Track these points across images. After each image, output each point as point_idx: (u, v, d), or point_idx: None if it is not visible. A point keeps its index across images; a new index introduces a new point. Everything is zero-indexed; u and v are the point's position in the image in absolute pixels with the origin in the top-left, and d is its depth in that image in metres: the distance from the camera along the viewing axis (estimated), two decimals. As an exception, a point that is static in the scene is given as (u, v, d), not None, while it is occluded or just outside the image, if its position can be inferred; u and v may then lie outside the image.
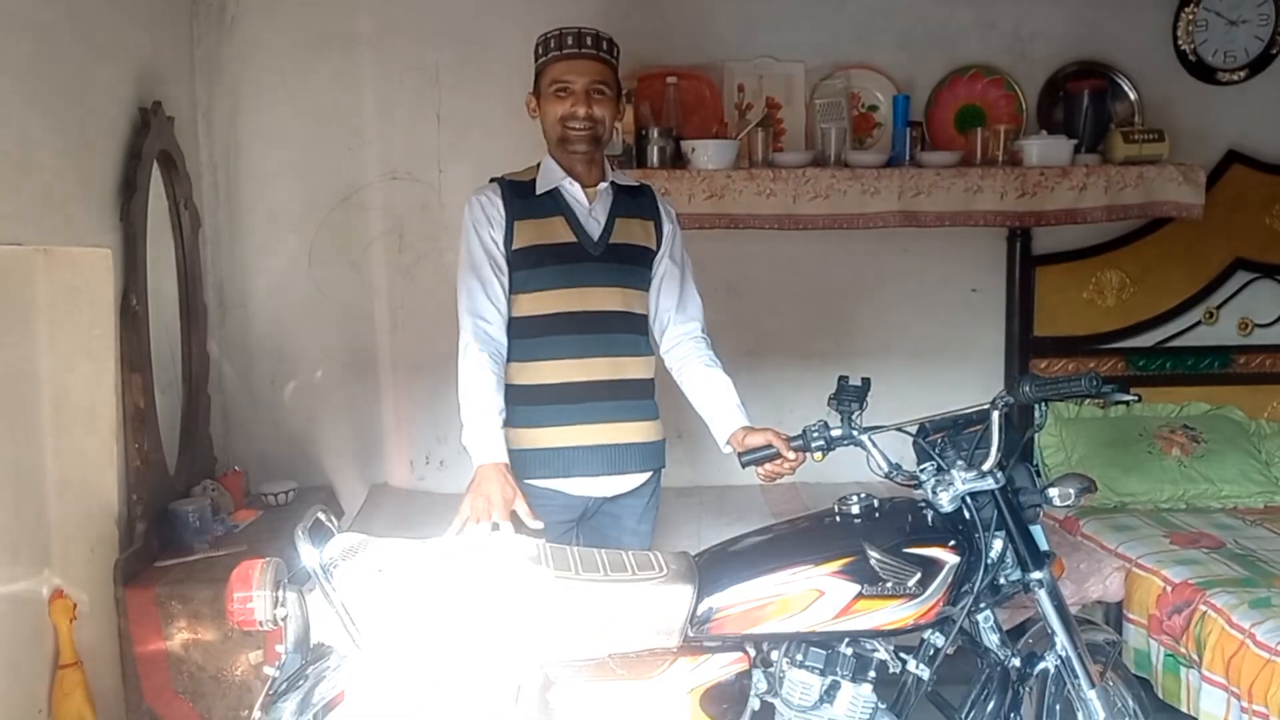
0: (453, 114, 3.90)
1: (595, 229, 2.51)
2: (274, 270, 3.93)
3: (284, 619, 1.82)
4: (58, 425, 2.80)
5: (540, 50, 2.49)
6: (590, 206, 2.52)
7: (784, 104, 3.95)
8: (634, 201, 2.59)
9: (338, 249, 3.94)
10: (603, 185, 2.54)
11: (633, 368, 2.55)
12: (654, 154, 3.64)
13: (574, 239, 2.49)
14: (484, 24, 3.87)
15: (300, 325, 3.96)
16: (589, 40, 2.45)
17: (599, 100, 2.46)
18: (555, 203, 2.50)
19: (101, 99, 2.99)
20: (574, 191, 2.51)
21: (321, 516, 1.97)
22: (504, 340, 2.46)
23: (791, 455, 2.32)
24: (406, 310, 3.98)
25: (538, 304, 2.48)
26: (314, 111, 3.86)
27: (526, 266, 2.47)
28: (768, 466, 2.36)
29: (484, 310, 2.44)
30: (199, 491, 3.32)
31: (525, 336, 2.50)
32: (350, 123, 3.89)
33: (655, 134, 3.64)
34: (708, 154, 3.60)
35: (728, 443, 2.47)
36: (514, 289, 2.48)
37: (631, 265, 2.56)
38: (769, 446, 2.32)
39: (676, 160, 3.66)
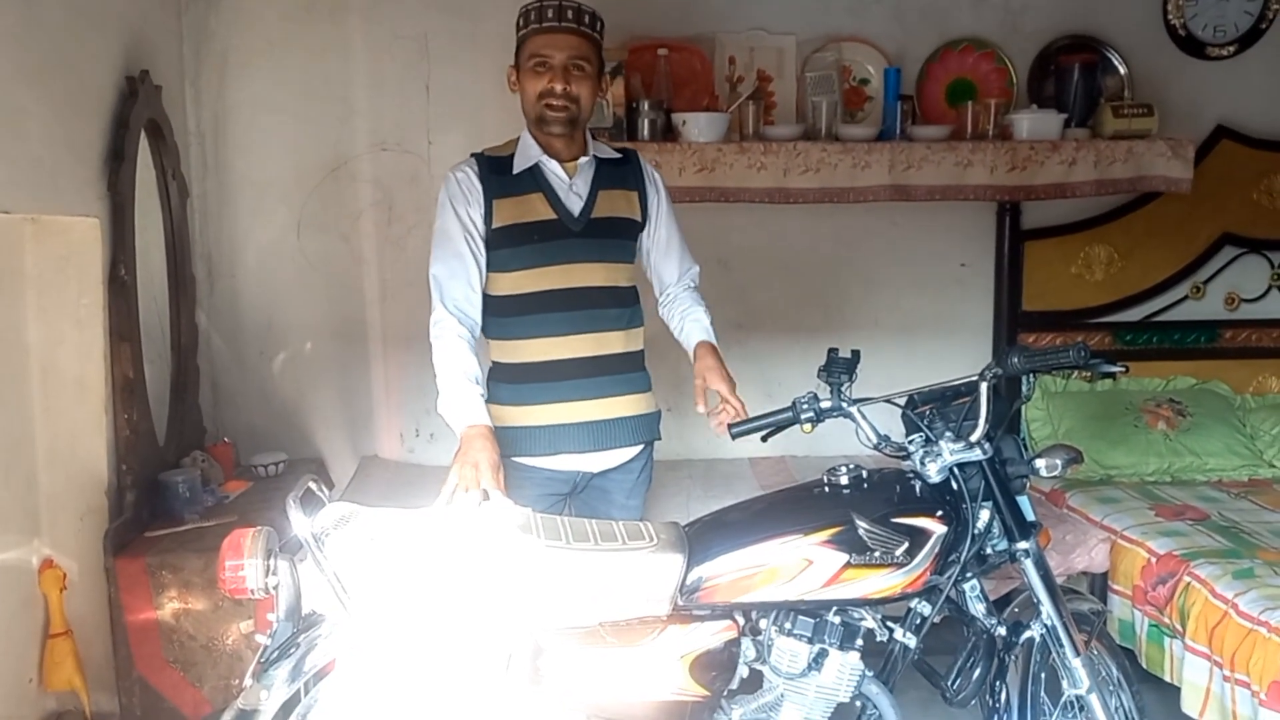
0: (442, 85, 3.88)
1: (576, 204, 2.48)
2: (263, 241, 3.92)
3: (275, 587, 1.84)
4: (46, 395, 2.80)
5: (521, 22, 2.44)
6: (571, 181, 2.48)
7: (775, 77, 3.94)
8: (617, 172, 2.56)
9: (327, 220, 3.92)
10: (583, 159, 2.50)
11: (618, 341, 2.53)
12: (644, 127, 3.63)
13: (554, 215, 2.46)
14: (473, -7, 3.85)
15: (289, 296, 3.96)
16: (570, 13, 2.39)
17: (578, 77, 2.41)
18: (534, 179, 2.46)
19: (89, 67, 2.97)
20: (553, 167, 2.47)
21: (313, 486, 1.99)
22: (477, 317, 2.44)
23: (736, 402, 2.41)
24: (396, 282, 3.98)
25: (519, 282, 2.46)
26: (303, 81, 3.84)
27: (507, 245, 2.45)
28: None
29: (456, 288, 2.41)
30: (189, 462, 3.32)
31: (508, 315, 2.49)
32: (339, 93, 3.86)
33: (646, 106, 3.63)
34: (698, 127, 3.59)
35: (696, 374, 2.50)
36: (495, 267, 2.46)
37: (615, 239, 2.54)
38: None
39: (667, 133, 3.66)
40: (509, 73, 2.50)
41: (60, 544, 2.79)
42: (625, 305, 2.56)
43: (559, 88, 2.38)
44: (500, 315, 2.49)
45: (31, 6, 2.64)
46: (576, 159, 2.49)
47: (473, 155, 2.53)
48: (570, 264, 2.46)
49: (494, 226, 2.44)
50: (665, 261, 2.64)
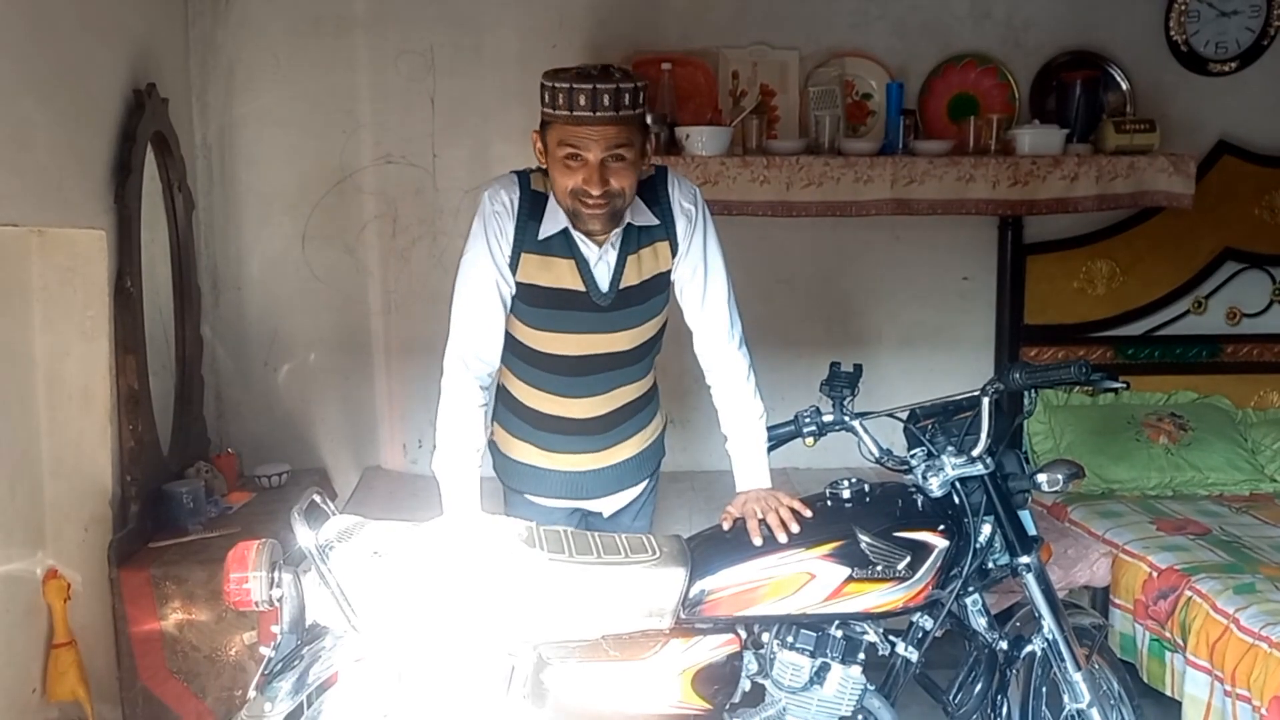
0: (447, 98, 3.90)
1: (605, 274, 2.22)
2: (268, 253, 3.93)
3: (279, 600, 1.84)
4: (52, 406, 2.81)
5: (547, 98, 2.07)
6: (601, 251, 2.21)
7: (778, 91, 3.95)
8: (647, 230, 2.25)
9: (332, 232, 3.94)
10: (615, 230, 2.19)
11: (633, 391, 2.39)
12: (652, 151, 3.63)
13: (582, 288, 2.21)
14: (478, 8, 3.86)
15: (294, 308, 3.97)
16: (606, 99, 2.01)
17: (618, 169, 2.08)
18: (566, 243, 2.19)
19: (96, 80, 2.99)
20: (580, 236, 2.19)
21: (317, 499, 1.99)
22: (495, 361, 2.25)
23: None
24: (400, 294, 3.99)
25: (536, 339, 2.29)
26: (308, 94, 3.86)
27: (526, 302, 2.23)
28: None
29: (475, 332, 2.20)
30: (193, 473, 3.33)
31: (520, 358, 2.34)
32: (345, 106, 3.88)
33: (649, 121, 3.63)
34: (702, 141, 3.61)
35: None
36: (513, 311, 2.25)
37: (645, 302, 2.28)
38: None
39: (671, 147, 3.67)
40: (533, 139, 2.18)
41: (64, 554, 2.80)
42: (647, 354, 2.38)
43: (595, 191, 2.07)
44: (513, 353, 2.32)
45: (38, 18, 2.66)
46: (609, 233, 2.20)
47: (515, 176, 2.25)
48: (595, 334, 2.27)
49: (516, 278, 2.21)
50: (700, 308, 2.31)
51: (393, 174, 3.93)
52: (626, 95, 2.04)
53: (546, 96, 2.07)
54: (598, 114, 2.02)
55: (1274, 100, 4.10)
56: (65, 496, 2.83)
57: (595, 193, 2.06)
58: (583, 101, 2.01)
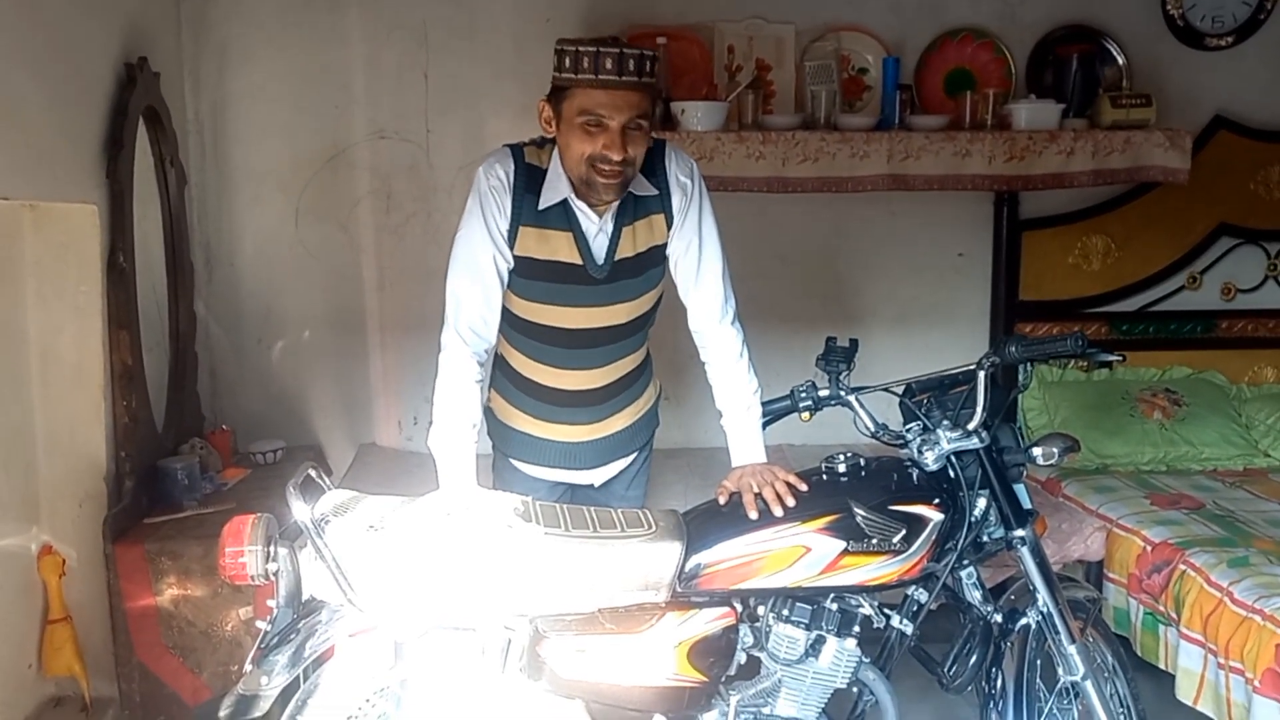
0: (440, 74, 3.87)
1: (602, 246, 2.22)
2: (261, 229, 3.92)
3: (275, 574, 1.84)
4: (45, 382, 2.80)
5: (567, 63, 2.06)
6: (599, 222, 2.22)
7: (774, 66, 3.93)
8: (643, 202, 2.25)
9: (325, 208, 3.92)
10: (615, 203, 2.21)
11: (628, 364, 2.40)
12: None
13: (578, 260, 2.21)
14: (471, -18, 3.84)
15: (287, 285, 3.96)
16: (632, 63, 2.02)
17: (635, 138, 2.08)
18: (565, 215, 2.19)
19: (87, 53, 2.96)
20: (581, 207, 2.19)
21: (313, 473, 1.99)
22: (492, 338, 2.24)
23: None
24: (394, 271, 3.97)
25: (532, 311, 2.29)
26: (301, 69, 3.83)
27: (522, 276, 2.23)
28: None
29: (473, 308, 2.18)
30: (187, 449, 3.33)
31: (518, 330, 2.35)
32: (338, 81, 3.85)
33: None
34: (697, 116, 3.59)
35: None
36: (509, 286, 2.25)
37: (641, 275, 2.29)
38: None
39: (666, 122, 3.65)
40: (541, 107, 2.16)
41: (59, 530, 2.80)
42: (642, 327, 2.39)
43: (616, 156, 2.06)
44: (510, 326, 2.33)
45: (29, -8, 2.64)
46: (609, 204, 2.21)
47: (509, 150, 2.23)
48: (591, 307, 2.27)
49: (514, 252, 2.21)
50: (694, 284, 2.31)
51: (386, 150, 3.91)
52: (647, 63, 2.06)
53: (567, 61, 2.06)
54: (623, 78, 2.03)
55: (1270, 75, 4.09)
56: (59, 472, 2.83)
57: (616, 158, 2.06)
58: (609, 65, 2.02)
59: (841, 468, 2.17)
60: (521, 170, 2.20)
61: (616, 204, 2.21)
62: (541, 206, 2.18)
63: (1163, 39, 4.04)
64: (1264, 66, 4.09)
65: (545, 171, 2.19)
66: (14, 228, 2.73)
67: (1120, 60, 4.00)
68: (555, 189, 2.18)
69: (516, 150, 2.23)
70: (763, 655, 2.13)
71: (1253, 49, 4.07)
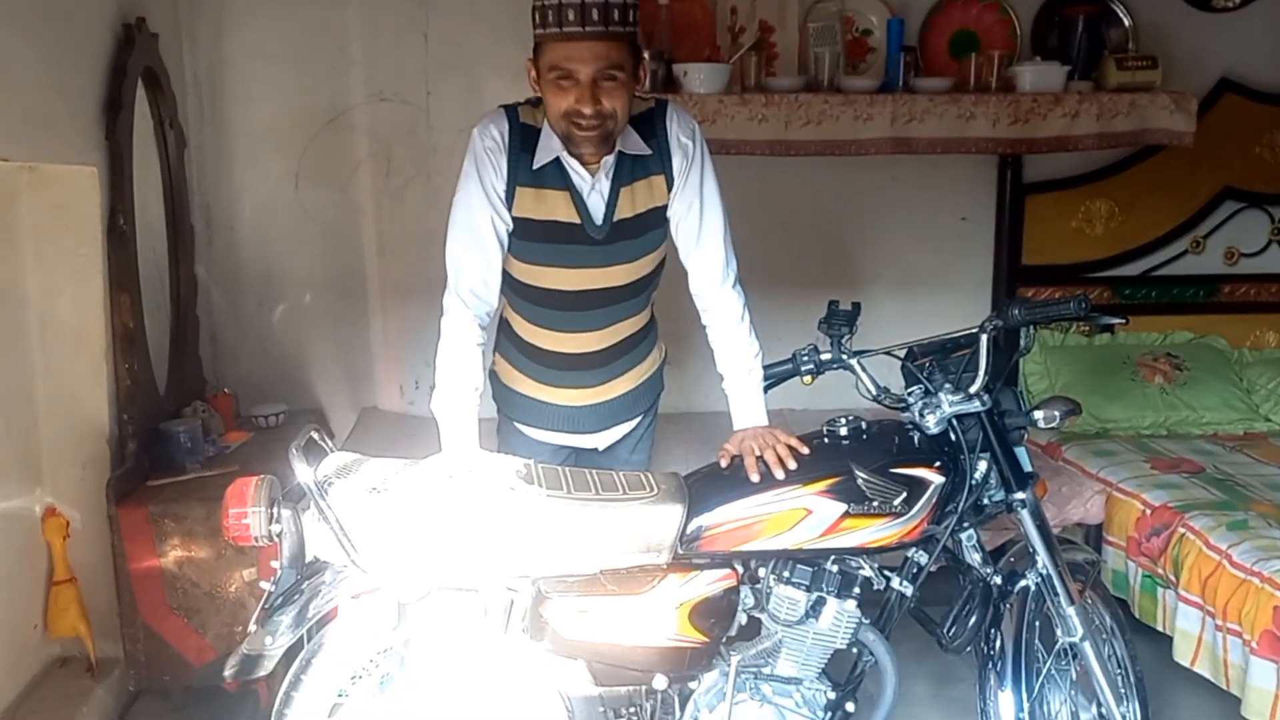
0: (440, 35, 3.84)
1: (599, 206, 2.20)
2: (260, 192, 3.90)
3: (279, 535, 1.85)
4: (46, 345, 2.81)
5: (536, 18, 2.05)
6: (594, 180, 2.19)
7: (777, 27, 3.89)
8: (641, 160, 2.23)
9: (324, 171, 3.90)
10: (608, 158, 2.19)
11: (630, 326, 2.39)
12: (645, 77, 3.59)
13: (577, 220, 2.20)
14: (472, -58, 3.80)
15: (288, 248, 3.94)
16: (595, 12, 1.98)
17: (610, 89, 2.05)
18: (560, 174, 2.18)
19: (84, 14, 2.94)
20: (574, 165, 2.18)
21: (315, 436, 1.99)
22: (494, 301, 2.22)
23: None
24: (394, 234, 3.96)
25: (532, 274, 2.28)
26: (299, 30, 3.79)
27: (523, 237, 2.22)
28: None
29: (473, 272, 2.17)
30: (189, 412, 3.33)
31: (518, 294, 2.34)
32: (337, 42, 3.82)
33: (646, 57, 3.58)
34: (700, 78, 3.56)
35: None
36: (509, 249, 2.24)
37: (641, 236, 2.27)
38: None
39: (668, 84, 3.62)
40: (527, 67, 2.15)
41: (62, 493, 2.81)
42: (644, 289, 2.37)
43: (588, 110, 2.04)
44: (511, 289, 2.33)
45: (25, -49, 2.61)
46: (601, 159, 2.19)
47: (504, 110, 2.22)
48: (590, 268, 2.26)
49: (512, 213, 2.19)
50: (694, 246, 2.28)
51: (385, 112, 3.88)
52: (616, 10, 2.00)
53: (537, 17, 2.04)
54: (587, 29, 1.99)
55: (1277, 38, 4.07)
56: (62, 435, 2.84)
57: (587, 111, 2.04)
58: (571, 17, 1.98)
59: (843, 431, 2.17)
60: (516, 130, 2.18)
61: (613, 163, 2.19)
62: (535, 165, 2.17)
63: (1169, 1, 4.00)
64: (1271, 29, 4.05)
65: (539, 130, 2.18)
66: (12, 190, 2.72)
67: (1126, 22, 3.97)
68: (548, 147, 2.16)
69: (511, 110, 2.22)
70: (763, 616, 2.14)
71: (1259, 11, 4.04)
